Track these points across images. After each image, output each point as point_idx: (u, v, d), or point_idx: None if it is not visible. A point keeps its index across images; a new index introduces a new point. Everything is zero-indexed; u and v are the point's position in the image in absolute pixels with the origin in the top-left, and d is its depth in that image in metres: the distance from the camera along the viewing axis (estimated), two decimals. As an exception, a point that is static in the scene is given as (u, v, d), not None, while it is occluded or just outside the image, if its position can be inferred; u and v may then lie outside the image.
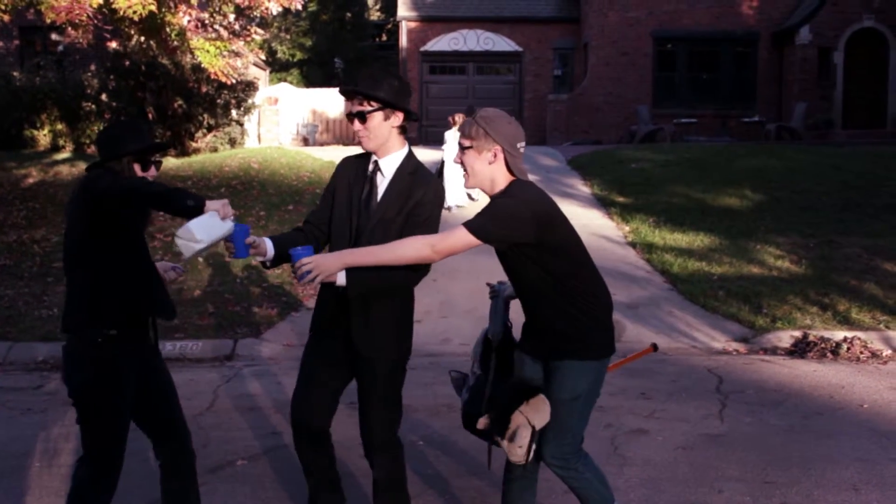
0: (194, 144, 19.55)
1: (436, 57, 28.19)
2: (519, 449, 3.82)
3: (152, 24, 11.81)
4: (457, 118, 15.31)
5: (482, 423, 3.99)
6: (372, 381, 4.06)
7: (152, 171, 4.03)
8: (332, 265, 3.72)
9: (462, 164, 3.90)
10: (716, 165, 17.09)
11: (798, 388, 7.25)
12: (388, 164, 4.06)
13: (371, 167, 4.08)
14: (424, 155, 18.70)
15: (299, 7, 13.04)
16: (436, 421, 6.39)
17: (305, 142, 27.20)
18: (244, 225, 3.89)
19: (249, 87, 20.78)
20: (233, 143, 20.71)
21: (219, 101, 19.63)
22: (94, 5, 10.74)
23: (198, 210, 3.59)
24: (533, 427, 3.80)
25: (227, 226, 3.71)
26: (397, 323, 4.09)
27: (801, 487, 5.14)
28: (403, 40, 28.10)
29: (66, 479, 5.25)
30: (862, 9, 24.36)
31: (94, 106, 19.55)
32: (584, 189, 16.08)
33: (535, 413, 3.80)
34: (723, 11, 25.77)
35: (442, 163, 15.21)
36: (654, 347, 4.64)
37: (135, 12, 10.72)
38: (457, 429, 6.19)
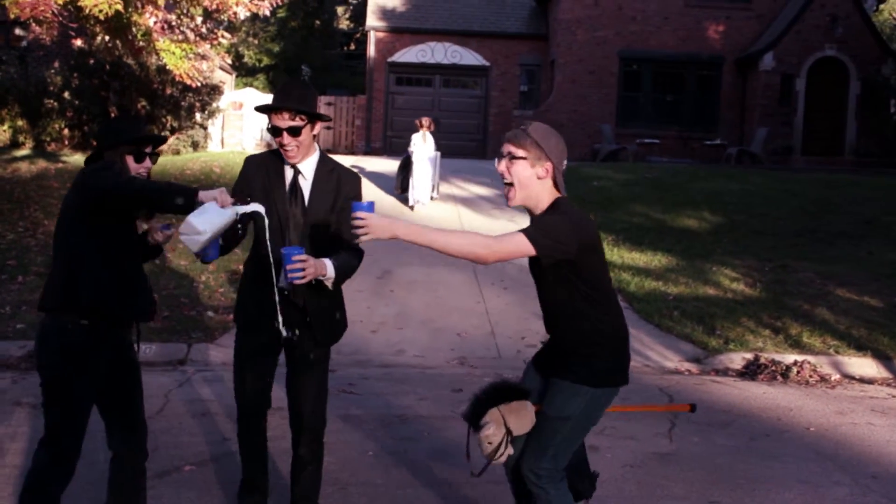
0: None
1: (403, 68, 28.23)
2: (488, 445, 3.80)
3: (118, 24, 11.76)
4: (424, 121, 16.12)
5: (464, 410, 4.02)
6: (308, 366, 4.32)
7: (147, 163, 4.06)
8: (384, 231, 3.56)
9: (507, 173, 3.82)
10: (676, 186, 17.26)
11: (747, 409, 7.33)
12: (307, 167, 4.25)
13: (291, 172, 4.23)
14: (389, 165, 18.73)
15: (267, 13, 13.04)
16: (387, 432, 6.38)
17: (269, 147, 27.05)
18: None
19: (214, 90, 20.70)
20: (195, 146, 20.61)
21: (183, 103, 19.54)
22: (60, 2, 10.69)
23: (189, 208, 3.61)
24: (508, 429, 3.78)
25: (228, 213, 3.73)
26: (339, 315, 4.41)
27: (745, 508, 5.20)
28: (371, 50, 28.12)
29: (11, 480, 5.20)
30: (824, 38, 24.74)
31: (56, 103, 19.35)
32: (545, 205, 16.16)
33: (513, 416, 3.79)
34: (689, 35, 26.07)
35: (408, 161, 15.59)
36: (693, 408, 4.52)
37: (101, 11, 10.68)
38: (408, 440, 6.21)
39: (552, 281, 3.78)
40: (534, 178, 3.78)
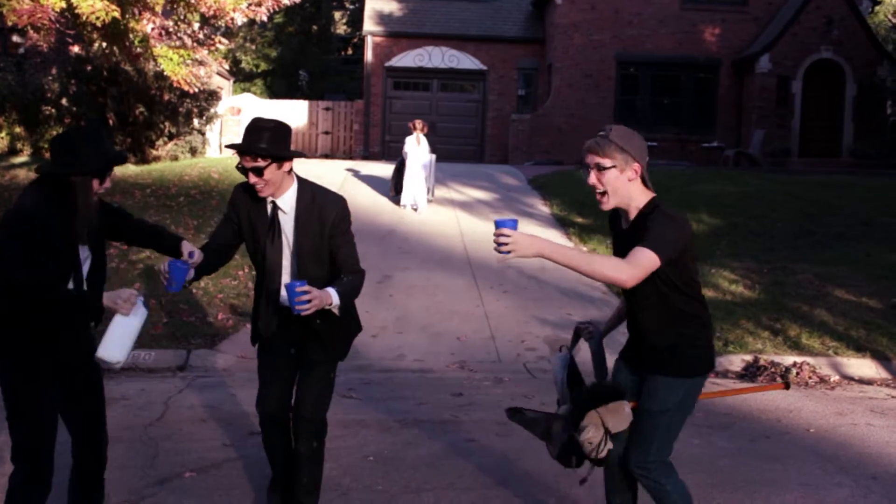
0: (155, 152, 19.44)
1: (400, 72, 28.25)
2: (588, 444, 3.94)
3: (115, 30, 11.76)
4: (417, 124, 16.23)
5: (564, 409, 4.15)
6: (317, 372, 4.52)
7: (107, 184, 4.02)
8: (529, 248, 3.58)
9: (599, 184, 3.90)
10: (674, 189, 17.26)
11: (747, 411, 7.34)
12: (285, 202, 4.34)
13: (270, 207, 4.35)
14: (385, 169, 18.73)
15: (265, 18, 13.06)
16: (387, 437, 6.39)
17: (267, 153, 27.07)
18: (184, 263, 4.07)
19: (212, 96, 20.72)
20: (193, 152, 20.63)
21: (181, 109, 19.55)
22: (57, 9, 10.69)
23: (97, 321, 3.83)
24: (607, 429, 3.91)
25: (135, 322, 3.83)
26: (348, 331, 4.69)
27: (745, 510, 5.21)
28: (369, 55, 28.14)
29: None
30: (820, 40, 24.79)
31: (54, 110, 19.39)
32: (543, 209, 16.17)
33: (611, 416, 3.91)
34: (685, 38, 26.11)
35: (402, 163, 15.86)
36: (786, 386, 4.65)
37: (97, 17, 10.69)
38: (408, 445, 6.21)
39: (652, 282, 3.85)
40: (625, 182, 3.89)
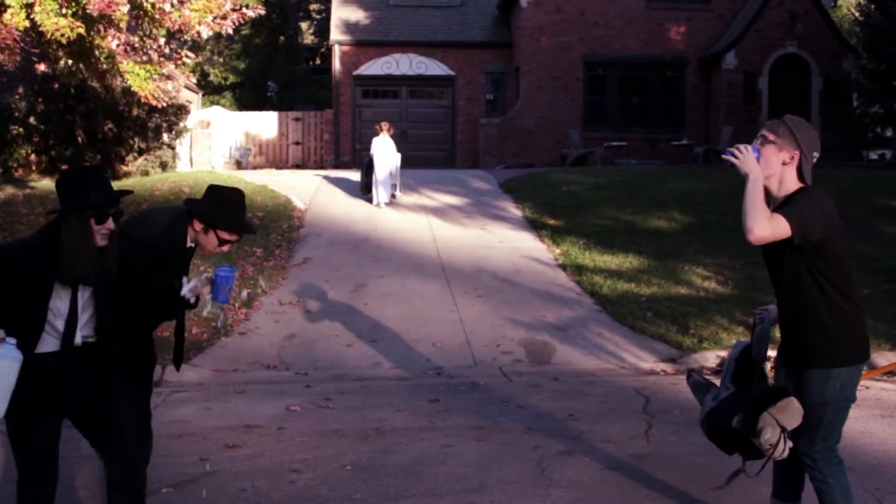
0: (125, 168, 19.33)
1: (369, 81, 28.25)
2: (769, 447, 4.12)
3: (81, 48, 11.72)
4: (383, 125, 17.05)
5: (737, 421, 4.29)
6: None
7: (109, 224, 3.95)
8: (749, 167, 4.03)
9: (760, 153, 4.11)
10: (645, 188, 17.37)
11: (722, 407, 7.37)
12: None
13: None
14: (356, 175, 18.71)
15: (230, 31, 13.03)
16: (364, 445, 6.38)
17: (238, 165, 27.04)
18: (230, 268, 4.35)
19: (181, 110, 20.64)
20: (164, 166, 20.53)
21: (150, 124, 19.46)
22: (21, 28, 10.63)
23: None
24: (782, 427, 4.08)
25: (8, 366, 3.74)
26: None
27: (722, 505, 5.24)
28: (336, 64, 28.12)
29: None
30: (785, 35, 25.01)
31: (21, 129, 19.23)
32: (515, 212, 16.21)
33: (784, 415, 4.09)
34: (651, 37, 26.26)
35: (370, 163, 16.70)
36: None
37: (62, 35, 10.64)
38: (385, 452, 6.21)
39: (802, 273, 4.07)
40: (778, 162, 4.11)
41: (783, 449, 4.14)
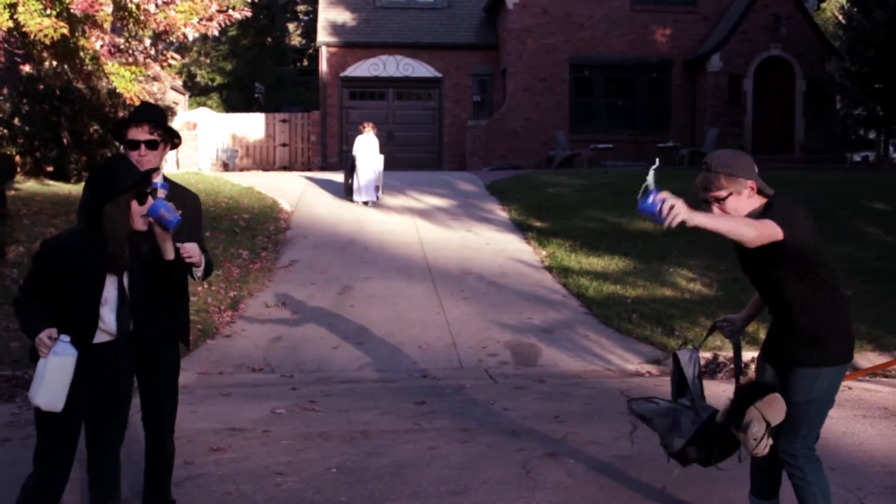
0: (110, 170, 19.27)
1: (356, 82, 28.27)
2: (753, 441, 4.13)
3: (65, 49, 11.71)
4: (367, 125, 17.46)
5: (721, 415, 4.35)
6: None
7: (150, 202, 3.99)
8: (689, 214, 3.82)
9: (722, 211, 4.12)
10: (632, 190, 17.31)
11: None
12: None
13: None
14: (341, 176, 18.71)
15: (216, 33, 13.03)
16: (350, 448, 6.39)
17: (225, 167, 27.00)
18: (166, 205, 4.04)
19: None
20: (150, 168, 20.46)
21: (135, 126, 19.38)
22: (4, 28, 10.61)
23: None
24: (767, 422, 4.11)
25: (66, 362, 3.74)
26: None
27: (706, 506, 5.27)
28: (323, 66, 28.12)
29: None
30: (769, 38, 25.16)
31: (6, 130, 19.13)
32: (501, 214, 16.24)
33: (769, 409, 4.13)
34: (637, 39, 26.36)
35: (353, 163, 16.94)
36: None
37: (46, 35, 10.63)
38: (371, 455, 6.22)
39: (779, 272, 4.12)
40: (745, 202, 4.13)
41: (765, 445, 4.17)
